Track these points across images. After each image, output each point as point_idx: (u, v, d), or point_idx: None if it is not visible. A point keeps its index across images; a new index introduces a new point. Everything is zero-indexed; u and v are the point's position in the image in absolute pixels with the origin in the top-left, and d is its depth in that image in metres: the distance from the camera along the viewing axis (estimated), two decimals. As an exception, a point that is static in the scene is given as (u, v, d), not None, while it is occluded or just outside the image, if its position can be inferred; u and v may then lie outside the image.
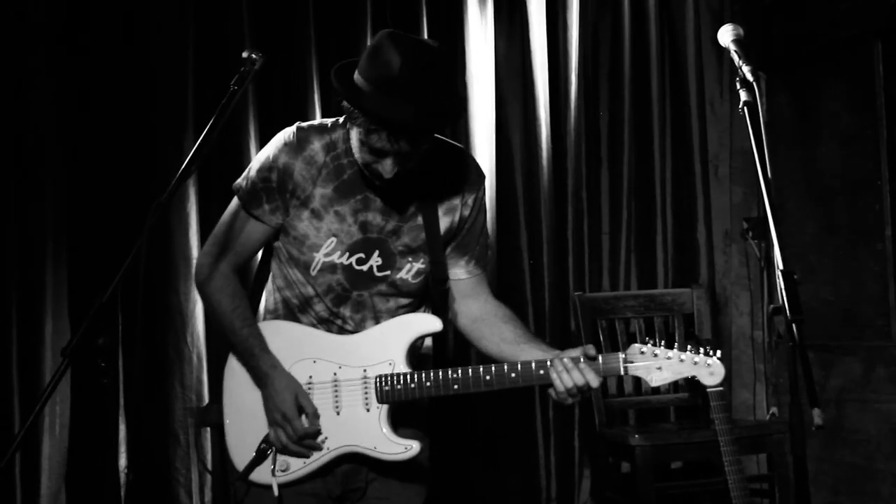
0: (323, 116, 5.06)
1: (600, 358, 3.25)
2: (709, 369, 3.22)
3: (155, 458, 4.94)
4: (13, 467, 4.71)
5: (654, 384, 3.25)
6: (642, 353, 3.25)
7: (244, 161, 5.03)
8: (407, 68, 3.06)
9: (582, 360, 3.24)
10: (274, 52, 4.99)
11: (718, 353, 3.24)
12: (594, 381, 3.22)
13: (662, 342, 3.26)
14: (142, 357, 4.87)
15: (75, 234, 4.87)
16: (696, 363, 3.22)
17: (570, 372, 3.22)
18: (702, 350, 3.23)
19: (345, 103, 3.20)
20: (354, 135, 3.20)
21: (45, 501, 4.76)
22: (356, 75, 3.18)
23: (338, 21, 5.36)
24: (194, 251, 4.97)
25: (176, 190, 3.03)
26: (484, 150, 5.54)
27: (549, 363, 3.26)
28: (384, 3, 5.40)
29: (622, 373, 3.26)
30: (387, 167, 3.18)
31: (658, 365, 3.23)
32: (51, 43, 4.85)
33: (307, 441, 3.33)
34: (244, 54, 3.12)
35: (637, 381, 5.57)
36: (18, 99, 4.83)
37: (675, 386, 5.47)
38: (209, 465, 4.82)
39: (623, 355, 3.26)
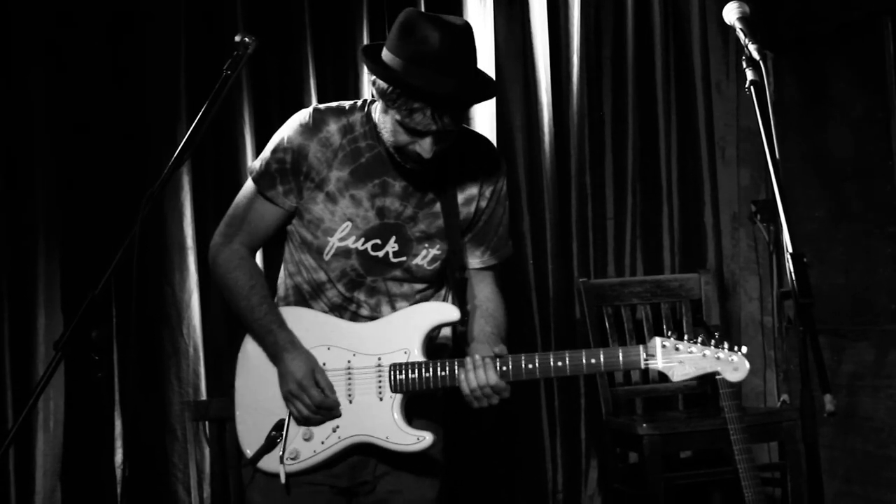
0: (319, 102, 5.00)
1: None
2: (732, 364, 3.21)
3: (152, 453, 4.89)
4: (7, 464, 4.65)
5: (675, 379, 3.23)
6: (664, 346, 3.22)
7: (239, 148, 5.02)
8: (446, 43, 3.05)
9: (485, 358, 3.24)
10: (268, 37, 4.91)
11: (744, 348, 3.22)
12: (492, 379, 3.22)
13: (686, 336, 3.22)
14: (137, 350, 4.84)
15: (67, 226, 4.81)
16: (719, 358, 3.20)
17: (475, 371, 3.23)
18: (726, 345, 3.20)
19: (379, 86, 3.16)
20: (389, 117, 3.18)
21: (39, 499, 4.70)
22: (387, 55, 3.16)
23: (333, 4, 5.28)
24: (189, 241, 4.92)
25: (168, 179, 3.06)
26: (484, 133, 5.43)
27: (457, 364, 3.28)
28: (381, -14, 5.33)
29: (642, 366, 3.24)
30: (426, 147, 3.16)
31: (680, 359, 3.20)
32: (41, 31, 4.78)
33: (324, 412, 3.30)
34: (237, 38, 3.18)
35: (644, 369, 5.49)
36: (6, 88, 4.76)
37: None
38: (208, 459, 4.78)
39: (644, 349, 3.23)
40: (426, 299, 3.46)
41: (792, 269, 2.68)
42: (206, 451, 4.81)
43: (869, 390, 5.40)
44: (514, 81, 5.64)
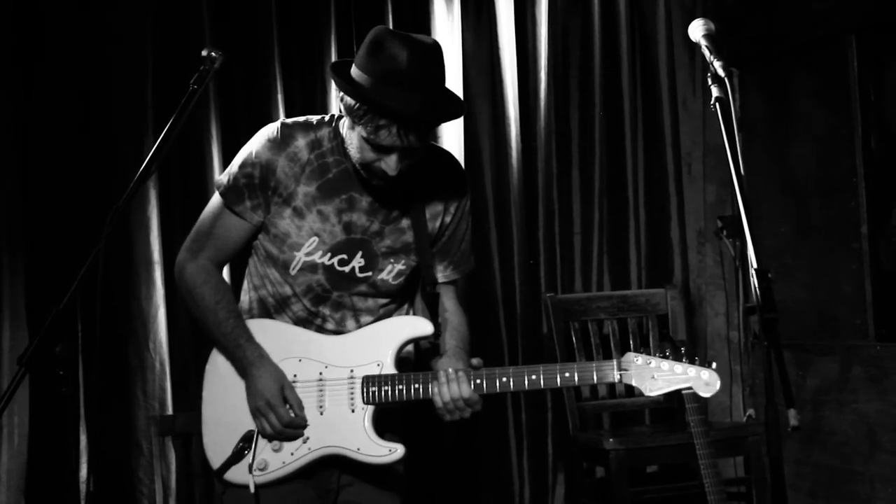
0: (286, 116, 5.00)
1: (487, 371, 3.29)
2: (704, 380, 3.23)
3: (117, 468, 4.85)
4: (-29, 480, 4.61)
5: (648, 394, 3.26)
6: (637, 362, 3.25)
7: (206, 163, 5.00)
8: (415, 61, 3.06)
9: (458, 372, 3.26)
10: (235, 51, 4.98)
11: (714, 364, 3.25)
12: (466, 392, 3.24)
13: (665, 352, 3.26)
14: (102, 365, 4.79)
15: (32, 240, 4.77)
16: (691, 374, 3.23)
17: (449, 384, 3.25)
18: (697, 360, 3.23)
19: (346, 102, 3.16)
20: (356, 134, 3.18)
21: (3, 514, 4.66)
22: (355, 72, 3.16)
23: (301, 19, 5.29)
24: (156, 255, 4.90)
25: (134, 193, 3.04)
26: (452, 149, 5.43)
27: (430, 377, 3.30)
28: (349, 2, 5.34)
29: (617, 380, 3.26)
30: (392, 164, 3.16)
31: (652, 374, 3.24)
32: (3, 39, 4.74)
33: (292, 431, 3.29)
34: (203, 53, 3.17)
35: (611, 384, 5.51)
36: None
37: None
38: (174, 475, 4.75)
39: (618, 363, 3.26)
40: (389, 314, 3.47)
41: (757, 285, 2.70)
42: (172, 465, 4.78)
43: (833, 405, 5.42)
44: (481, 96, 5.65)
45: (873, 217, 5.32)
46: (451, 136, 5.50)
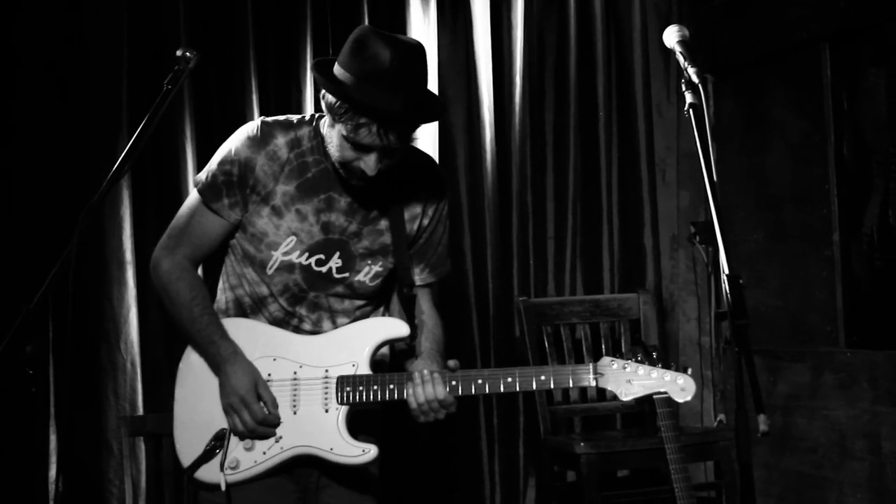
0: (261, 116, 4.98)
1: (460, 372, 3.29)
2: (679, 385, 3.25)
3: (87, 469, 4.83)
4: (-62, 480, 4.57)
5: (624, 398, 3.27)
6: (613, 366, 3.25)
7: (180, 163, 4.99)
8: (397, 61, 3.07)
9: (433, 373, 3.27)
10: (211, 52, 4.95)
11: (690, 370, 3.27)
12: (441, 393, 3.25)
13: (637, 357, 3.26)
14: (73, 365, 4.76)
15: (3, 238, 4.74)
16: (667, 379, 3.23)
17: (423, 385, 3.25)
18: (673, 366, 3.25)
19: (328, 100, 3.17)
20: (336, 132, 3.18)
21: (-30, 515, 4.63)
22: (338, 70, 3.17)
23: (277, 20, 5.28)
24: (128, 255, 4.88)
25: (107, 192, 3.03)
26: (426, 151, 5.38)
27: (405, 378, 3.30)
28: (325, 3, 5.32)
29: (592, 384, 3.26)
30: (371, 163, 3.16)
31: (628, 378, 3.25)
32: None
33: (265, 429, 3.28)
34: (178, 53, 3.16)
35: (583, 388, 5.52)
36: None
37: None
38: (144, 475, 4.73)
39: (593, 367, 3.26)
40: (366, 316, 3.47)
41: (728, 291, 2.70)
42: (142, 466, 4.76)
43: (804, 411, 5.44)
44: (456, 100, 5.65)
45: (845, 224, 5.34)
46: (426, 138, 5.49)
